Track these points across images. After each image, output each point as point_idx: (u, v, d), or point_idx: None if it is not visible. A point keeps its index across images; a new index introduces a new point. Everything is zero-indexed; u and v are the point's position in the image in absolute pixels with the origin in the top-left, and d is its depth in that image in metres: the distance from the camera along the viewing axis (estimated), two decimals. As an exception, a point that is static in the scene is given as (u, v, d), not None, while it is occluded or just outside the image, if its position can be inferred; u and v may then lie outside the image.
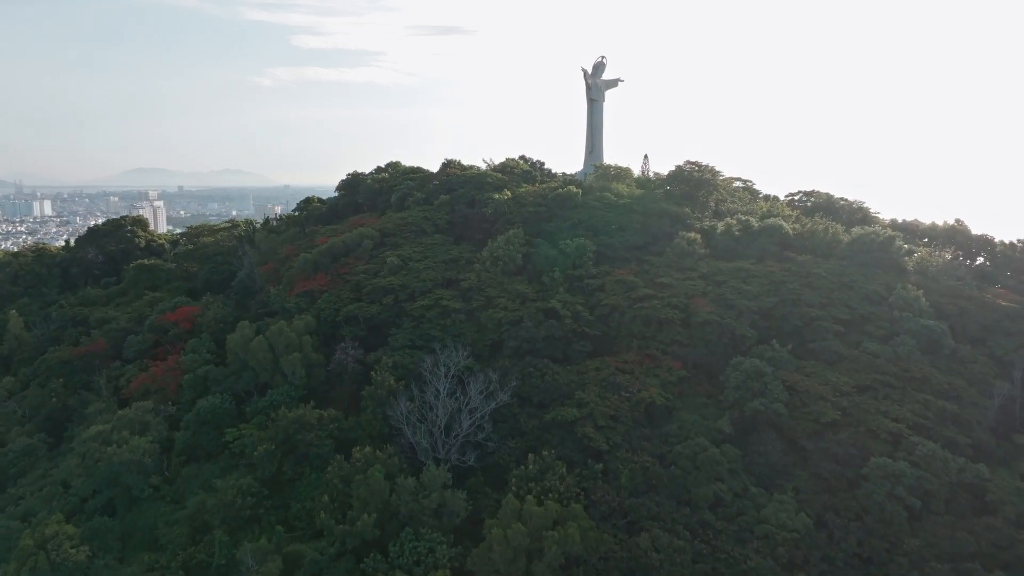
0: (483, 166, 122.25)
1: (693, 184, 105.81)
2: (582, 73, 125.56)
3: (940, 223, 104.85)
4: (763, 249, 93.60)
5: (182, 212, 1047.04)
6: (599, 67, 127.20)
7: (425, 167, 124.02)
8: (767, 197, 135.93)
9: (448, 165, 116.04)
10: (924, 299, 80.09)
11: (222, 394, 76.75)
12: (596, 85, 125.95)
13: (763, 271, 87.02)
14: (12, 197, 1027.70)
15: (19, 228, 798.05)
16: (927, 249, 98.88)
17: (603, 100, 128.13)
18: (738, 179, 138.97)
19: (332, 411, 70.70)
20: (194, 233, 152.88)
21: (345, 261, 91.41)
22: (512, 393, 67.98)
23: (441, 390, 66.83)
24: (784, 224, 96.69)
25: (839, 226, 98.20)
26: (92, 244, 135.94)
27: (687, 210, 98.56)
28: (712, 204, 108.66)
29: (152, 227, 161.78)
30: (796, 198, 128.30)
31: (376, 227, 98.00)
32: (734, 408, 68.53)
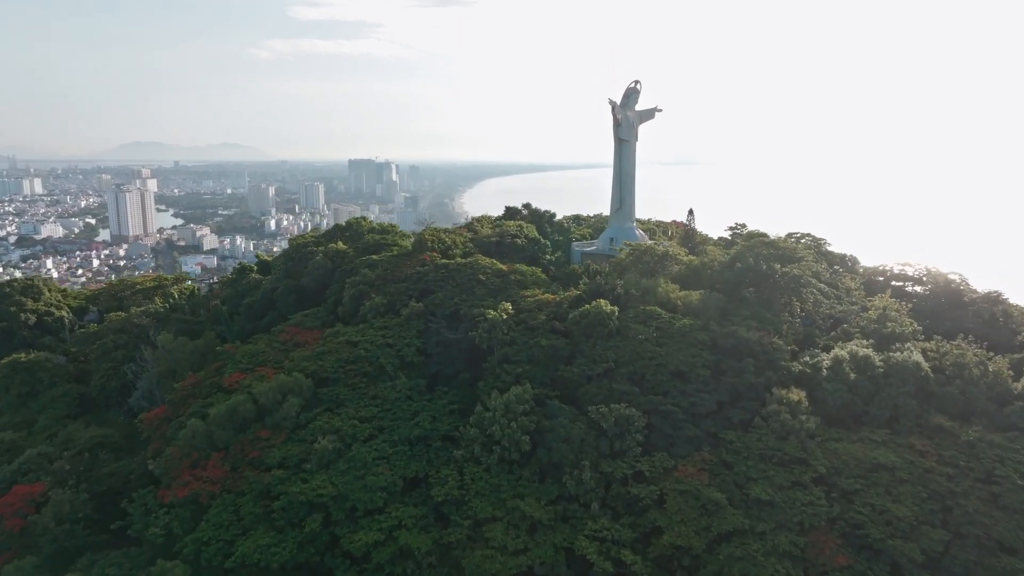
0: (466, 217, 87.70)
1: (770, 285, 71.96)
2: (610, 107, 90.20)
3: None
4: (895, 405, 60.13)
5: (176, 190, 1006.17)
6: (631, 95, 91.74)
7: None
8: (843, 263, 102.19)
9: (423, 246, 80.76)
10: None
11: None
12: (627, 120, 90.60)
13: (908, 462, 53.58)
14: (4, 174, 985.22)
15: (7, 208, 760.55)
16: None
17: (636, 139, 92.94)
18: (800, 236, 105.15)
19: None
20: (115, 291, 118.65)
21: (256, 434, 57.47)
22: None
23: None
24: (921, 360, 62.85)
25: (1003, 363, 64.17)
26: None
27: (775, 339, 64.24)
28: (798, 305, 74.92)
29: (58, 288, 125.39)
30: (893, 272, 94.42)
31: (312, 361, 63.89)
32: None
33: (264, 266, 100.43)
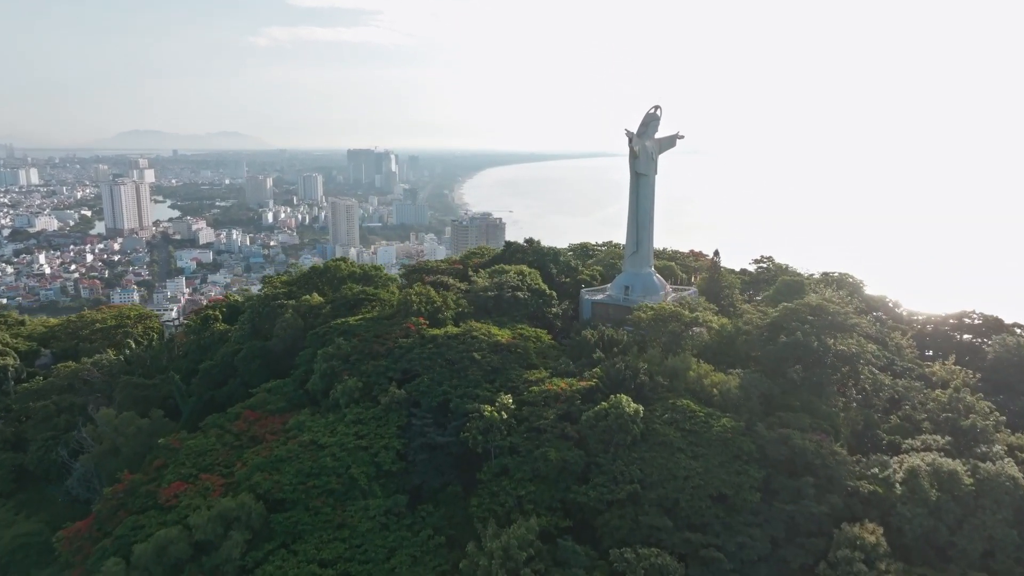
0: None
1: (820, 362, 59.40)
2: (627, 138, 77.06)
3: None
4: (990, 536, 47.78)
5: (174, 181, 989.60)
6: (650, 123, 78.53)
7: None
8: (885, 307, 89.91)
9: (407, 308, 67.42)
10: None
11: None
12: (645, 151, 77.50)
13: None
14: (1, 164, 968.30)
15: (2, 199, 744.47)
16: None
17: (655, 172, 79.95)
18: (837, 277, 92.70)
19: None
20: (73, 328, 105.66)
21: (192, 581, 45.17)
22: None
23: None
24: (1017, 475, 50.46)
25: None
26: None
27: (836, 446, 51.70)
28: (853, 387, 62.51)
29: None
30: (947, 321, 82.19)
31: (267, 472, 51.40)
32: None
33: (232, 311, 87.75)
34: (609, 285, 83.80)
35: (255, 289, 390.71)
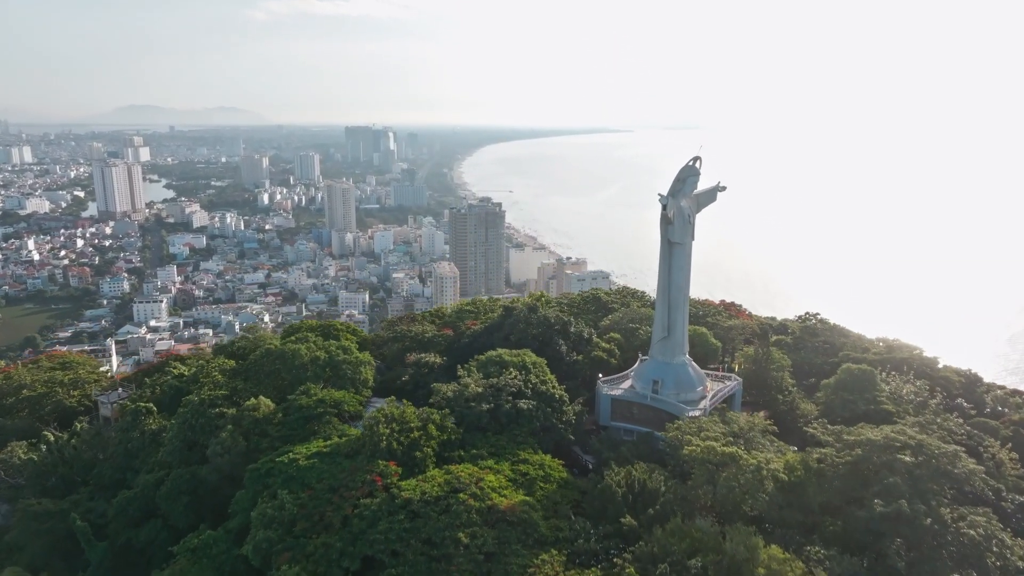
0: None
1: (928, 550, 42.97)
2: (660, 204, 59.18)
3: None
4: None
5: (169, 159, 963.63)
6: (687, 178, 60.43)
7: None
8: (967, 390, 73.49)
9: (375, 447, 49.65)
10: None
11: None
12: (682, 215, 59.81)
13: None
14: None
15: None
16: None
17: (693, 238, 62.40)
18: (911, 351, 76.10)
19: None
20: (6, 389, 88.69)
21: None
22: None
23: None
24: None
25: None
26: None
27: None
28: None
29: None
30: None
31: None
32: None
33: (176, 393, 70.57)
34: (631, 372, 66.90)
35: (247, 279, 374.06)
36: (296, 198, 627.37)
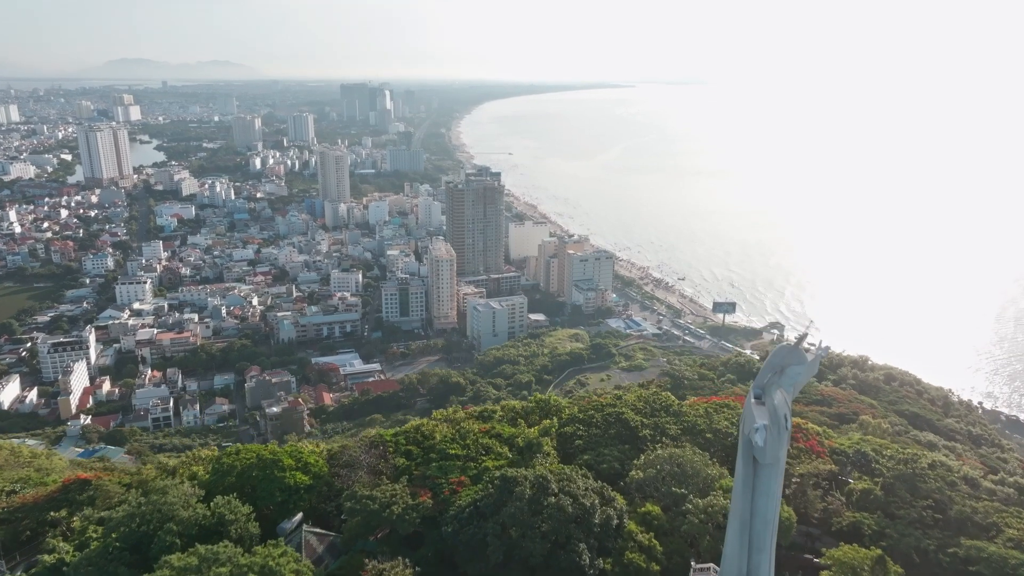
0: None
1: None
2: (745, 405, 39.29)
3: None
4: None
5: (160, 118, 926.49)
6: (789, 355, 36.76)
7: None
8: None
9: None
10: None
11: None
12: (776, 416, 37.76)
13: None
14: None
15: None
16: None
17: (788, 444, 40.92)
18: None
19: None
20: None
21: None
22: None
23: None
24: None
25: None
26: None
27: None
28: None
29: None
30: None
31: None
32: None
33: (131, 536, 51.24)
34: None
35: (236, 254, 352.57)
36: (289, 163, 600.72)
